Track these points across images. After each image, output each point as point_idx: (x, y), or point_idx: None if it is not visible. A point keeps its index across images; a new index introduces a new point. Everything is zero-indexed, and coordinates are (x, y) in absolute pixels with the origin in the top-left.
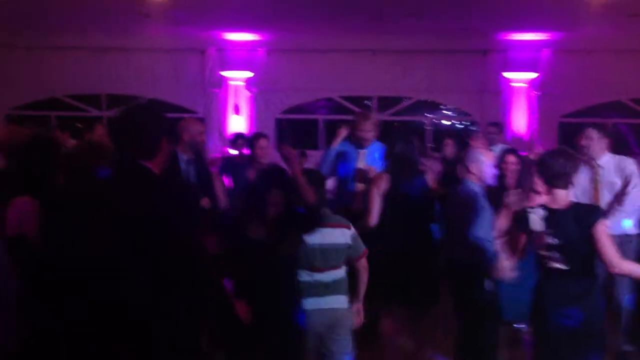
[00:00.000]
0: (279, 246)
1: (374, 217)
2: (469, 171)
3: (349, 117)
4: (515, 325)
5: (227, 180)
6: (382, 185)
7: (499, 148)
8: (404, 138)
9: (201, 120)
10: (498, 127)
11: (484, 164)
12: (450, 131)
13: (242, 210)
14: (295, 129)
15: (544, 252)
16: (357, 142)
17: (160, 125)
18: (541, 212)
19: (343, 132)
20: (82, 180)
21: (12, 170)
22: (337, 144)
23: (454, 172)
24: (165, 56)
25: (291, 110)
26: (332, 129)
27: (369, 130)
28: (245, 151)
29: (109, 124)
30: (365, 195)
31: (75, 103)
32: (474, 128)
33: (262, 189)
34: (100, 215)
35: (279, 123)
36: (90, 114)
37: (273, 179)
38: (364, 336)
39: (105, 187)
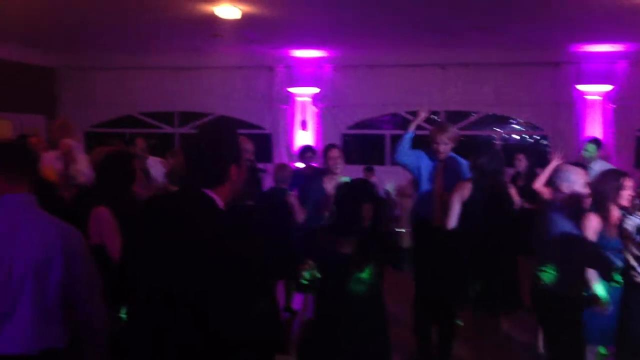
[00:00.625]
0: (366, 260)
1: (452, 221)
2: (559, 192)
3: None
4: (601, 350)
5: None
6: (464, 192)
7: (598, 165)
8: (489, 150)
9: (268, 136)
10: (597, 143)
11: (576, 185)
12: (521, 145)
13: (330, 223)
14: (361, 144)
15: (632, 262)
16: (434, 154)
17: (229, 149)
18: (637, 221)
19: (422, 114)
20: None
21: (95, 184)
22: (413, 127)
23: (527, 187)
24: (235, 74)
25: (357, 126)
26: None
27: (445, 142)
28: (314, 164)
29: (182, 142)
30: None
31: (150, 120)
32: (545, 142)
33: (354, 202)
34: (159, 239)
35: (346, 138)
36: (164, 130)
37: (365, 192)
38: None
39: (165, 213)
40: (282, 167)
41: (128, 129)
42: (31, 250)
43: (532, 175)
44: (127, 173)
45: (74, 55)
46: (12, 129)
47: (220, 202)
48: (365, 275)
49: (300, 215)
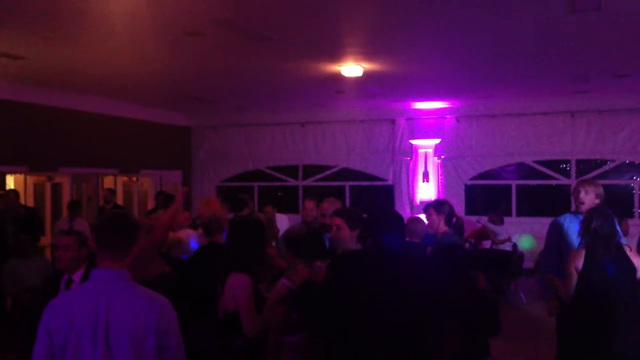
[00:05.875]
0: None
1: (567, 295)
2: None
3: (544, 182)
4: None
5: None
6: (578, 262)
7: None
8: (601, 213)
9: (390, 187)
10: None
11: None
12: None
13: None
14: (486, 194)
15: None
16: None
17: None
18: None
19: None
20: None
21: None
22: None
23: None
24: (358, 127)
25: (481, 176)
26: (523, 195)
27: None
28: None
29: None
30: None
31: (276, 174)
32: None
33: None
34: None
35: (469, 189)
36: (289, 183)
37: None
38: None
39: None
40: (416, 220)
41: (256, 182)
42: (127, 320)
43: None
44: (261, 240)
45: (207, 115)
46: (152, 184)
47: None
48: None
49: None
